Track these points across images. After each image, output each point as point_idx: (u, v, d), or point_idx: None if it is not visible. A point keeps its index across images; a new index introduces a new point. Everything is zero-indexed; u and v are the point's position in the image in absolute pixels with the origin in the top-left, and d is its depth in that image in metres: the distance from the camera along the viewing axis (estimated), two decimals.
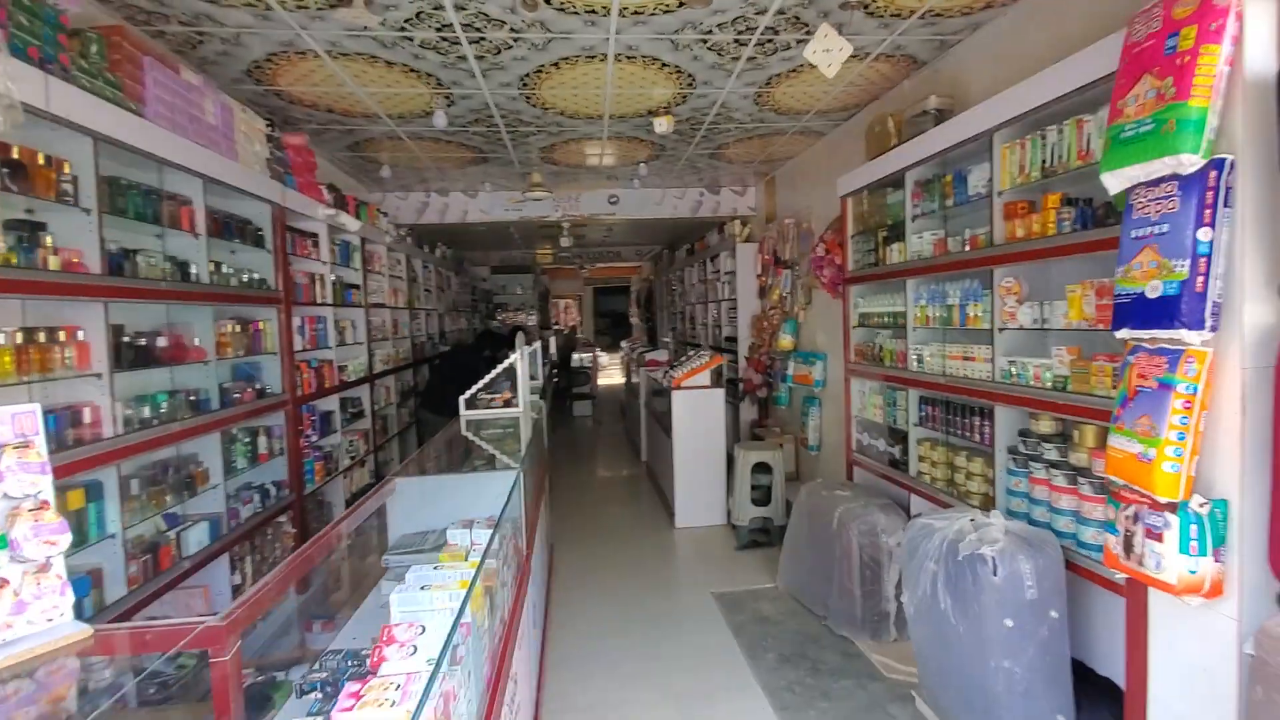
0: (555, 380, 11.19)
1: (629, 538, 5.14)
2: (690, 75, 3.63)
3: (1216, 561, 1.77)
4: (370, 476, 4.93)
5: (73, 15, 2.24)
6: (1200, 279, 1.73)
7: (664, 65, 3.48)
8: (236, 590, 3.08)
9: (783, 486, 4.97)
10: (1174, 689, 1.97)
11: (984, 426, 2.91)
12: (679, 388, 5.31)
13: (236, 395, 3.26)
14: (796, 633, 3.53)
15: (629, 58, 3.36)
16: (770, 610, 3.81)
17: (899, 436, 3.66)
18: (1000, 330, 2.78)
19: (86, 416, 2.27)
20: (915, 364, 3.40)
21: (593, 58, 3.35)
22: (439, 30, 2.96)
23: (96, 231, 2.26)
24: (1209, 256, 1.73)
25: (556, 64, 3.42)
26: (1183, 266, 1.75)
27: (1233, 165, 1.73)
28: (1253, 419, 1.74)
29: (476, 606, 1.57)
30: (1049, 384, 2.50)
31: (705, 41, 3.19)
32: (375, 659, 1.32)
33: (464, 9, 2.76)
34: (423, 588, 1.53)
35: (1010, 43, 3.04)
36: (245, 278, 3.37)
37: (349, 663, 1.44)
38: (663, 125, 4.08)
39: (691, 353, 5.96)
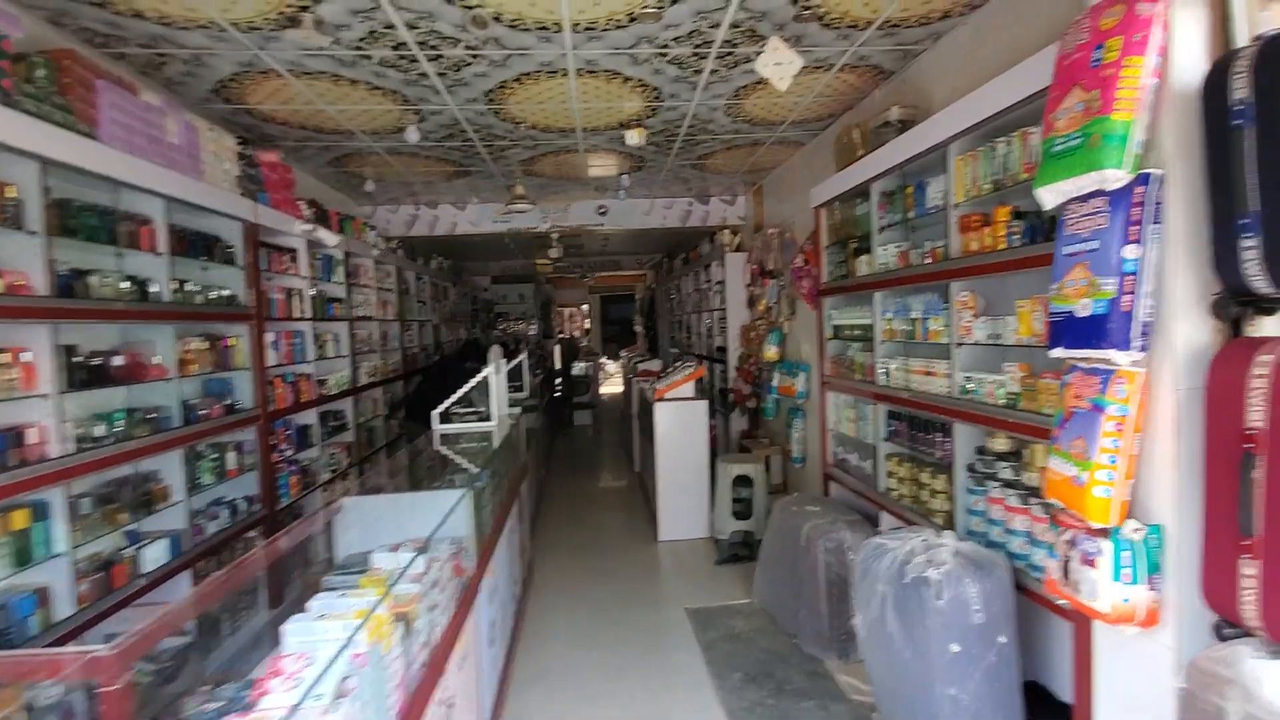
0: (558, 389, 11.22)
1: (612, 550, 5.11)
2: (655, 89, 3.63)
3: (1151, 590, 1.71)
4: (357, 489, 4.95)
5: (22, 40, 2.28)
6: (1127, 298, 1.67)
7: (627, 79, 3.47)
8: None
9: (764, 500, 4.91)
10: (1123, 717, 1.90)
11: (946, 443, 2.85)
12: (662, 400, 5.28)
13: (203, 412, 3.28)
14: (766, 651, 3.47)
15: (590, 72, 3.36)
16: (743, 627, 3.76)
17: (869, 451, 3.60)
18: (958, 345, 2.73)
19: (33, 437, 2.30)
20: (883, 378, 3.35)
21: (554, 73, 3.36)
22: (395, 49, 2.98)
23: (43, 254, 2.29)
24: (1136, 275, 1.67)
25: (519, 79, 3.43)
26: (1111, 285, 1.70)
27: (1161, 180, 1.68)
28: (1186, 442, 1.68)
29: (379, 634, 1.56)
30: (1001, 401, 2.45)
31: (664, 55, 3.18)
32: (256, 693, 1.31)
33: (416, 28, 2.78)
34: (320, 617, 1.52)
35: (970, 52, 3.00)
36: (213, 295, 3.41)
37: (242, 694, 1.43)
38: (634, 138, 4.08)
39: (678, 363, 5.93)
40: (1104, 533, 1.74)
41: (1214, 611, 1.61)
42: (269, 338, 3.81)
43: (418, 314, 7.26)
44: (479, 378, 4.03)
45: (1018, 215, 2.41)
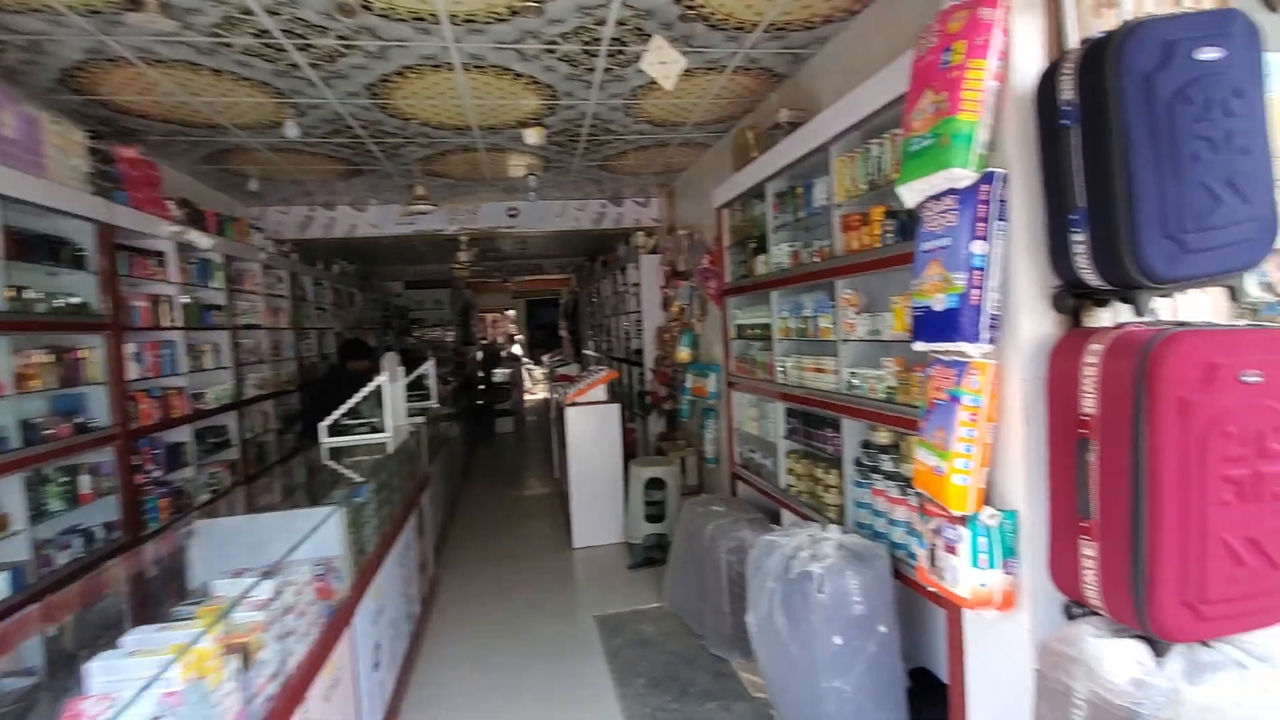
0: (479, 397, 10.92)
1: (525, 560, 4.97)
2: (550, 86, 3.55)
3: (1006, 574, 1.77)
4: (243, 508, 4.61)
5: None
6: (975, 292, 1.73)
7: (519, 76, 3.38)
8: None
9: (678, 502, 4.90)
10: (988, 701, 1.96)
11: (835, 438, 2.90)
12: (573, 404, 5.19)
13: (49, 431, 2.96)
14: (673, 654, 3.44)
15: (478, 67, 3.25)
16: (651, 631, 3.72)
17: (771, 449, 3.64)
18: (844, 342, 2.78)
19: None
20: (780, 376, 3.39)
21: (439, 67, 3.23)
22: (258, 36, 2.78)
23: None
24: (983, 269, 1.73)
25: (401, 73, 3.27)
26: (961, 280, 1.75)
27: (1004, 179, 1.74)
28: (1033, 430, 1.75)
29: (203, 669, 1.40)
30: (882, 395, 2.51)
31: (553, 52, 3.11)
32: None
33: (277, 14, 2.59)
34: (131, 654, 1.36)
35: (851, 57, 3.08)
36: (59, 303, 3.08)
37: None
38: (533, 137, 3.99)
39: (592, 368, 5.86)
40: (963, 520, 1.78)
41: (1061, 592, 1.68)
42: (129, 349, 3.48)
43: (317, 321, 6.88)
44: (370, 387, 3.83)
45: (891, 214, 2.47)
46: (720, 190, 4.09)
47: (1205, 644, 1.50)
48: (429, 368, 5.48)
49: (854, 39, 3.07)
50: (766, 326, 3.56)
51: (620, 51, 3.15)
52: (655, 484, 4.88)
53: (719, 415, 5.24)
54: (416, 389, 5.42)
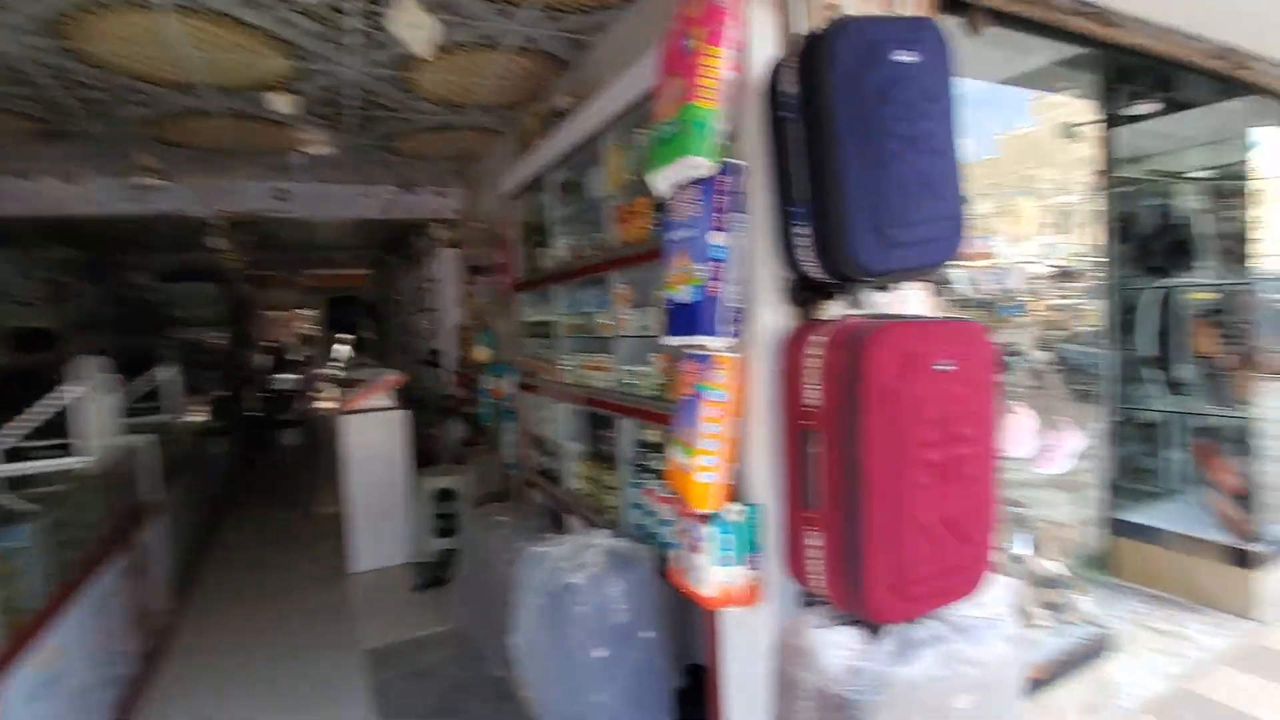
0: (260, 407, 9.59)
1: (292, 592, 4.34)
2: (295, 45, 3.07)
3: (750, 569, 1.75)
4: None
5: None
6: (715, 284, 1.69)
7: (251, 28, 2.87)
8: None
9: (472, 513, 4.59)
10: (743, 697, 1.95)
11: (614, 438, 2.82)
12: (350, 412, 4.65)
13: None
14: (453, 683, 3.16)
15: (194, 10, 2.70)
16: (432, 660, 3.39)
17: (560, 451, 3.49)
18: (620, 338, 2.70)
19: None
20: (565, 375, 3.25)
21: (146, 7, 2.63)
22: None
23: None
24: (723, 262, 1.70)
25: (91, 10, 2.63)
26: (702, 272, 1.70)
27: (742, 170, 1.72)
28: (774, 423, 1.75)
29: None
30: (651, 392, 2.45)
31: (287, 2, 2.67)
32: None
33: None
34: None
35: (632, 44, 3.00)
36: None
37: None
38: (282, 104, 3.45)
39: (373, 371, 5.33)
40: (708, 518, 1.74)
41: (796, 583, 1.70)
42: None
43: (19, 319, 5.52)
44: (58, 401, 3.06)
45: (659, 206, 2.42)
46: (506, 179, 3.87)
47: (915, 621, 1.58)
48: (167, 374, 4.60)
49: (632, 27, 3.01)
50: (550, 324, 3.41)
51: (374, 11, 2.79)
52: (446, 495, 4.53)
53: (517, 418, 5.01)
54: (151, 399, 4.52)
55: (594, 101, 2.67)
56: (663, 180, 1.84)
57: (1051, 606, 2.70)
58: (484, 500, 5.02)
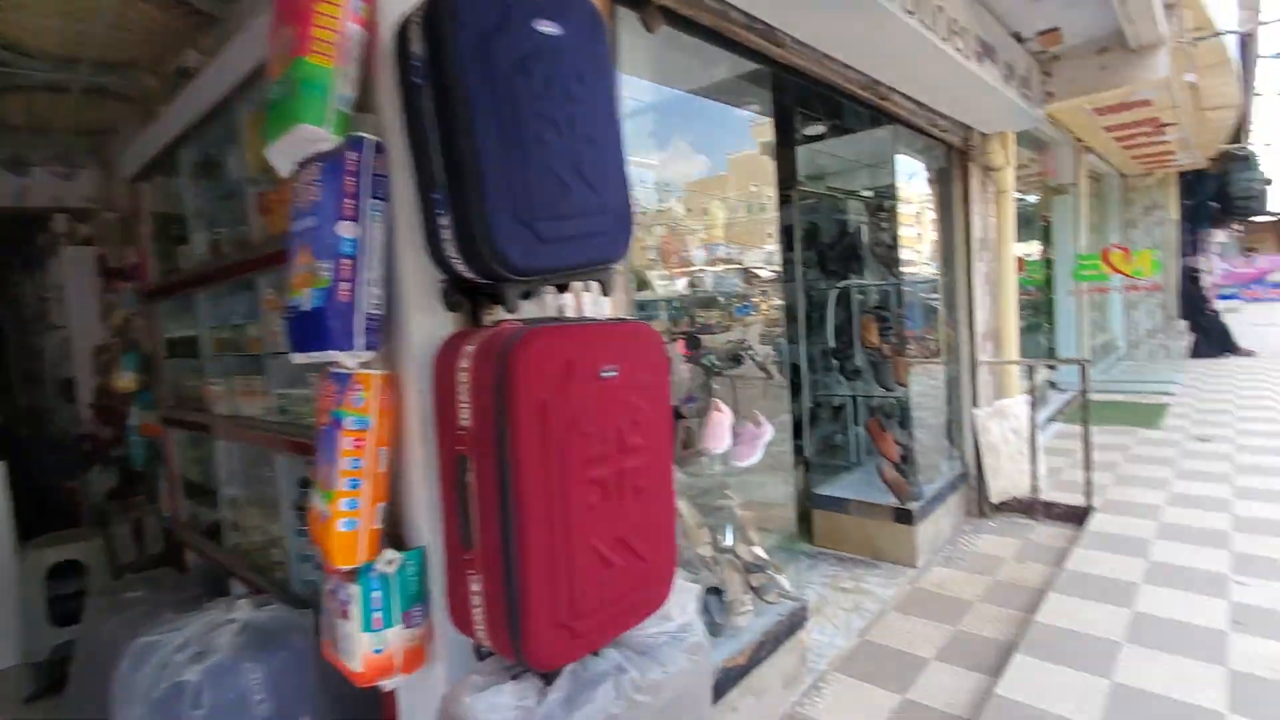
0: None
1: None
2: None
3: (409, 627, 1.46)
4: None
5: None
6: (344, 285, 1.36)
7: None
8: None
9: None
10: None
11: (275, 478, 2.29)
12: None
13: None
14: None
15: None
16: None
17: (216, 500, 2.80)
18: (273, 356, 2.20)
19: None
20: (216, 404, 2.59)
21: None
22: None
23: None
24: (354, 258, 1.38)
25: None
26: (328, 271, 1.36)
27: (377, 147, 1.42)
28: (431, 450, 1.48)
29: None
30: (314, 420, 2.01)
31: None
32: None
33: None
34: None
35: None
36: None
37: None
38: None
39: None
40: (353, 575, 1.41)
41: (462, 634, 1.44)
42: None
43: None
44: None
45: None
46: (129, 156, 3.02)
47: (597, 654, 1.43)
48: None
49: None
50: (194, 340, 2.71)
51: None
52: (66, 570, 3.43)
53: (163, 460, 4.01)
54: None
55: (223, 57, 2.13)
56: (278, 155, 1.45)
57: (755, 590, 2.86)
58: (139, 568, 3.95)
